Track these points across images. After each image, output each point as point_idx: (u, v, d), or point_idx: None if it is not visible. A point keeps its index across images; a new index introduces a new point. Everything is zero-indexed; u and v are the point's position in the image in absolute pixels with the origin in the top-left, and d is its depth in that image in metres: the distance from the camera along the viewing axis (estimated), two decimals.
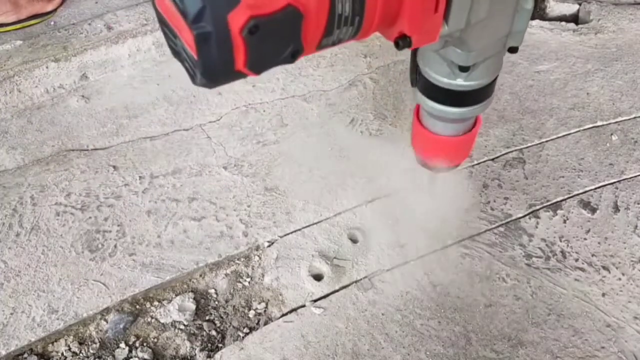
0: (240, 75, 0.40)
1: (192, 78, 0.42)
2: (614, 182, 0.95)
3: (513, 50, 0.55)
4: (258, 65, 0.40)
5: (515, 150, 1.01)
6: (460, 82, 0.56)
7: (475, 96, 0.58)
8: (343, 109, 1.11)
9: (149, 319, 0.84)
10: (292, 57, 0.40)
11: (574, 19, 1.31)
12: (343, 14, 0.40)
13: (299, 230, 0.91)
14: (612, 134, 1.02)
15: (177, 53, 0.44)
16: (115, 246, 0.91)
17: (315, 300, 0.83)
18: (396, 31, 0.45)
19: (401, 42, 0.45)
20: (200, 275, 0.88)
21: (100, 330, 0.83)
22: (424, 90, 0.60)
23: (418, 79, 0.60)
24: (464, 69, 0.54)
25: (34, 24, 1.32)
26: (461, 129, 0.65)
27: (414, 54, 0.59)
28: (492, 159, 0.99)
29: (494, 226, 0.90)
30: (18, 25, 1.31)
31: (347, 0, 0.40)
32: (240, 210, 0.95)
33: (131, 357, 0.80)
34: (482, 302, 0.81)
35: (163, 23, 0.43)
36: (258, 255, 0.89)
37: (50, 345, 0.82)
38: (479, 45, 0.52)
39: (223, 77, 0.40)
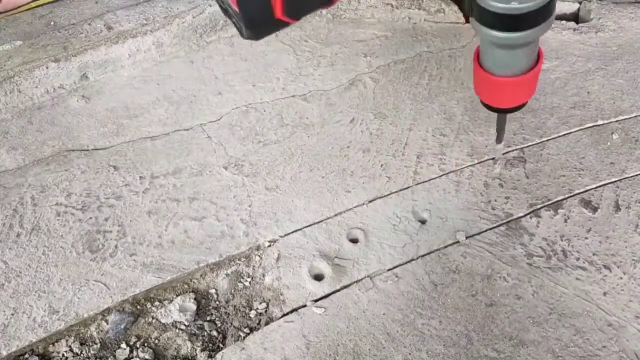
0: (281, 23, 0.43)
1: (240, 32, 0.46)
2: (615, 181, 0.95)
3: None
4: (296, 11, 0.42)
5: (516, 149, 1.01)
6: (515, 5, 0.57)
7: (531, 18, 0.59)
8: (343, 108, 1.11)
9: (150, 319, 0.84)
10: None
11: (575, 17, 1.31)
12: None
13: (300, 230, 0.91)
14: (612, 133, 1.02)
15: (225, 10, 0.48)
16: (116, 246, 0.91)
17: (316, 300, 0.83)
18: None
19: None
20: (201, 276, 0.88)
21: (101, 331, 0.83)
22: (481, 19, 0.61)
23: (473, 9, 0.61)
24: None
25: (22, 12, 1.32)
26: (524, 63, 0.64)
27: None
28: (493, 158, 0.99)
29: (495, 225, 0.90)
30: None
31: None
32: (241, 210, 0.95)
33: (132, 358, 0.80)
34: (483, 302, 0.81)
35: None
36: (259, 255, 0.89)
37: (51, 345, 0.82)
38: None
39: (265, 27, 0.43)
